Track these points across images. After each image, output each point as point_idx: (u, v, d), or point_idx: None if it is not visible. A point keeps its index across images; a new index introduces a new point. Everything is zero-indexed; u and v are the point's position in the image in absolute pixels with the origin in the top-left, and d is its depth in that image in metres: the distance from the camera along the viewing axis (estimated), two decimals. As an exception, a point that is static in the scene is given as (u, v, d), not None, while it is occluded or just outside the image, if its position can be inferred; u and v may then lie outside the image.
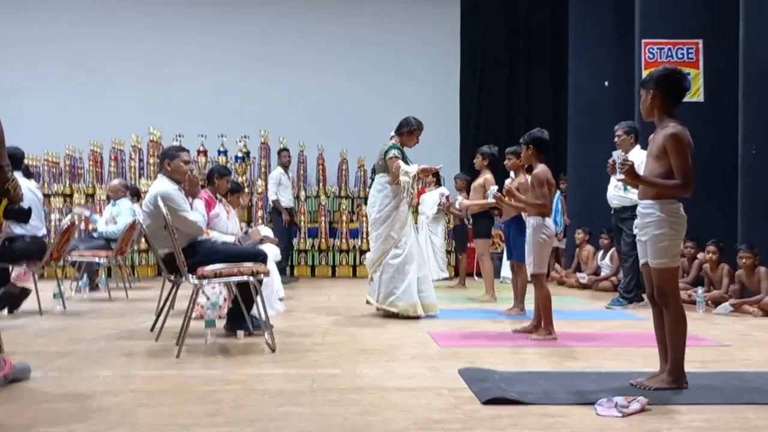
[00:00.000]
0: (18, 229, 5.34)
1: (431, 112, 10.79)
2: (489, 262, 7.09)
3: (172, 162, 4.41)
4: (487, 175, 6.67)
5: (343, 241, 9.95)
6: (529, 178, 5.59)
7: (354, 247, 9.93)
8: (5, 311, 5.59)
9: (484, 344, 4.34)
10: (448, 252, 9.66)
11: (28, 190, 5.01)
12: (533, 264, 4.57)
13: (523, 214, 5.79)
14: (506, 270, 8.45)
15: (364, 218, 9.91)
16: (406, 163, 5.60)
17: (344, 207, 10.18)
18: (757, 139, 6.34)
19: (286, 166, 9.00)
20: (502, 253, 9.15)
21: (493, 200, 5.61)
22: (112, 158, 10.03)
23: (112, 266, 7.31)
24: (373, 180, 5.81)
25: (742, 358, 4.00)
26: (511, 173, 5.95)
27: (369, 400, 2.94)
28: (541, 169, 4.63)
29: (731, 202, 6.66)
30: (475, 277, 9.22)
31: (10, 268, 5.79)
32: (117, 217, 7.37)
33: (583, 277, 8.20)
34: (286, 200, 8.90)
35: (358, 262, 9.89)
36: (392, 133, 5.75)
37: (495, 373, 3.41)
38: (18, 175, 3.93)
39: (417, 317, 5.40)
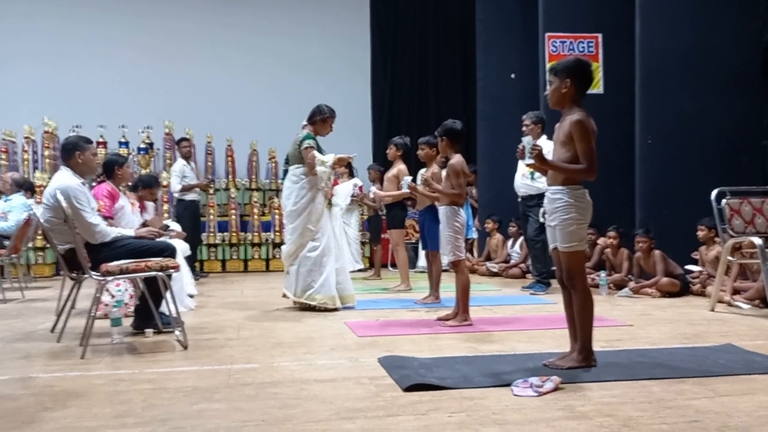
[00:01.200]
0: None
1: (343, 103, 10.71)
2: (403, 252, 7.14)
3: (84, 153, 4.16)
4: (400, 166, 6.71)
5: (255, 234, 9.74)
6: (436, 168, 5.71)
7: (267, 240, 9.74)
8: None
9: (402, 332, 4.36)
10: (363, 243, 9.67)
11: None
12: (450, 252, 4.63)
13: (436, 203, 5.86)
14: (422, 260, 8.55)
15: (276, 211, 9.76)
16: (321, 152, 5.50)
17: (255, 200, 9.96)
18: (652, 130, 6.70)
19: (187, 157, 8.55)
20: (416, 243, 9.25)
21: (408, 190, 5.64)
22: (2, 150, 9.37)
23: (5, 265, 6.83)
24: (286, 171, 5.68)
25: (644, 336, 4.22)
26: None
27: (288, 393, 2.88)
28: (456, 159, 4.69)
29: (630, 189, 7.02)
30: (390, 268, 9.28)
31: None
32: (9, 213, 6.90)
33: (494, 267, 8.40)
34: (193, 194, 8.54)
35: (270, 256, 9.72)
36: (305, 122, 5.63)
37: (414, 360, 3.42)
38: None
39: (335, 309, 5.36)
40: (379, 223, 8.64)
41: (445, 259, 4.82)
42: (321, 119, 5.55)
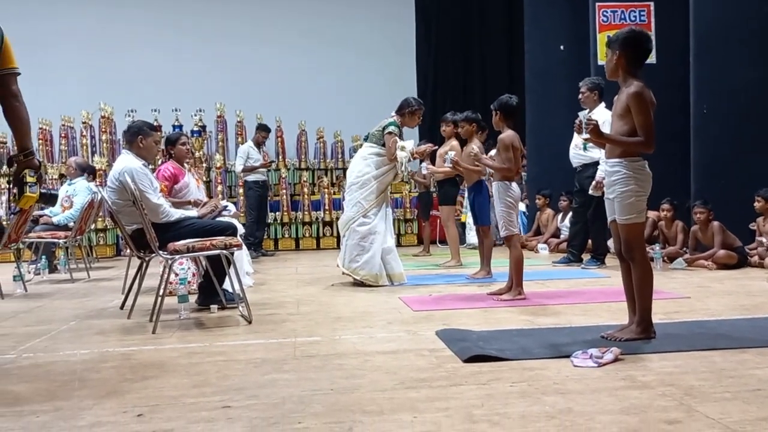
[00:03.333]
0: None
1: (388, 80, 10.82)
2: (454, 228, 7.19)
3: (146, 139, 4.34)
4: (453, 143, 6.73)
5: (306, 213, 9.91)
6: (477, 143, 5.75)
7: (317, 219, 9.91)
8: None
9: (457, 307, 4.43)
10: (411, 220, 9.76)
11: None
12: (504, 227, 4.67)
13: (483, 178, 5.91)
14: (471, 236, 8.58)
15: (326, 190, 9.91)
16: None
17: (305, 179, 10.13)
18: (707, 99, 6.55)
19: (260, 144, 8.81)
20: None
21: (450, 166, 5.69)
22: (62, 136, 9.74)
23: (70, 247, 7.15)
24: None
25: (702, 308, 4.20)
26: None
27: (353, 365, 2.99)
28: (507, 134, 4.71)
29: (684, 160, 6.89)
30: (438, 244, 9.35)
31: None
32: (74, 197, 7.19)
33: (544, 248, 8.30)
34: (257, 174, 8.74)
35: (321, 234, 9.89)
36: (393, 113, 5.75)
37: (472, 333, 3.49)
38: None
39: (379, 286, 5.44)
40: (429, 199, 8.68)
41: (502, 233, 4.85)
42: (410, 111, 5.71)
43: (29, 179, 2.80)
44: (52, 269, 7.20)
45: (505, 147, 4.69)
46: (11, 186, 2.93)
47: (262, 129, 8.87)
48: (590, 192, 6.20)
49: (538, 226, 8.91)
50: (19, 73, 2.85)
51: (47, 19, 10.34)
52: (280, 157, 10.41)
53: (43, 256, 6.96)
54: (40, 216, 7.06)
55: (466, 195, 8.25)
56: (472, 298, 4.79)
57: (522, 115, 9.61)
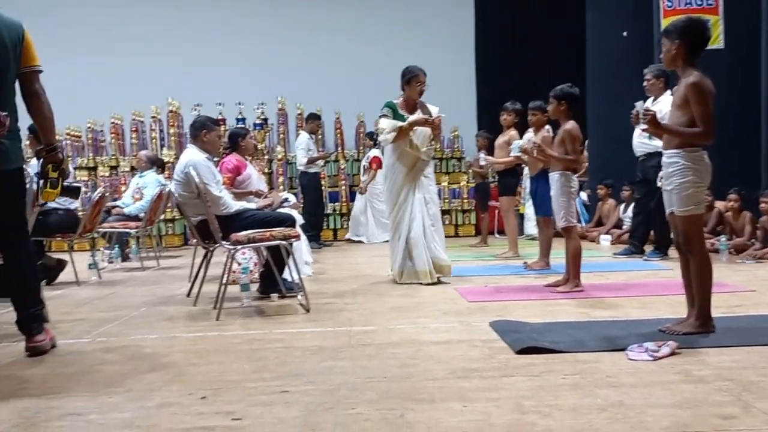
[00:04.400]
0: (51, 203, 5.47)
1: (448, 71, 10.76)
2: (513, 219, 7.15)
3: (209, 134, 4.52)
4: (512, 132, 6.68)
5: (364, 204, 10.01)
6: (546, 133, 5.63)
7: (375, 209, 9.99)
8: (43, 283, 5.76)
9: (512, 298, 4.43)
10: (469, 211, 9.74)
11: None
12: (563, 218, 4.63)
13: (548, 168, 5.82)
14: (530, 227, 8.51)
15: (384, 180, 9.98)
16: (403, 119, 5.16)
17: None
18: (779, 85, 6.29)
19: (314, 133, 8.95)
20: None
21: (519, 154, 5.60)
22: (132, 130, 10.15)
23: (141, 236, 7.48)
24: None
25: (767, 302, 4.06)
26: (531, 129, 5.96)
27: (406, 354, 3.06)
28: (572, 125, 4.65)
29: (753, 149, 6.65)
30: (497, 235, 9.30)
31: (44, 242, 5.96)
32: (144, 189, 7.50)
33: (606, 239, 8.14)
34: (316, 166, 8.88)
35: (380, 225, 9.97)
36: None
37: (526, 325, 3.50)
38: None
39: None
40: (487, 190, 8.65)
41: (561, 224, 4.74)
42: (406, 81, 5.21)
43: (51, 174, 2.95)
44: (125, 258, 7.55)
45: (572, 138, 4.64)
46: (38, 180, 3.08)
47: (315, 117, 9.06)
48: (659, 183, 6.05)
49: (600, 217, 8.75)
50: (41, 71, 2.97)
51: (116, 17, 10.77)
52: (339, 148, 10.55)
53: (116, 246, 7.31)
54: (113, 207, 7.42)
55: (527, 185, 8.19)
56: (528, 289, 4.79)
57: (583, 105, 9.46)
